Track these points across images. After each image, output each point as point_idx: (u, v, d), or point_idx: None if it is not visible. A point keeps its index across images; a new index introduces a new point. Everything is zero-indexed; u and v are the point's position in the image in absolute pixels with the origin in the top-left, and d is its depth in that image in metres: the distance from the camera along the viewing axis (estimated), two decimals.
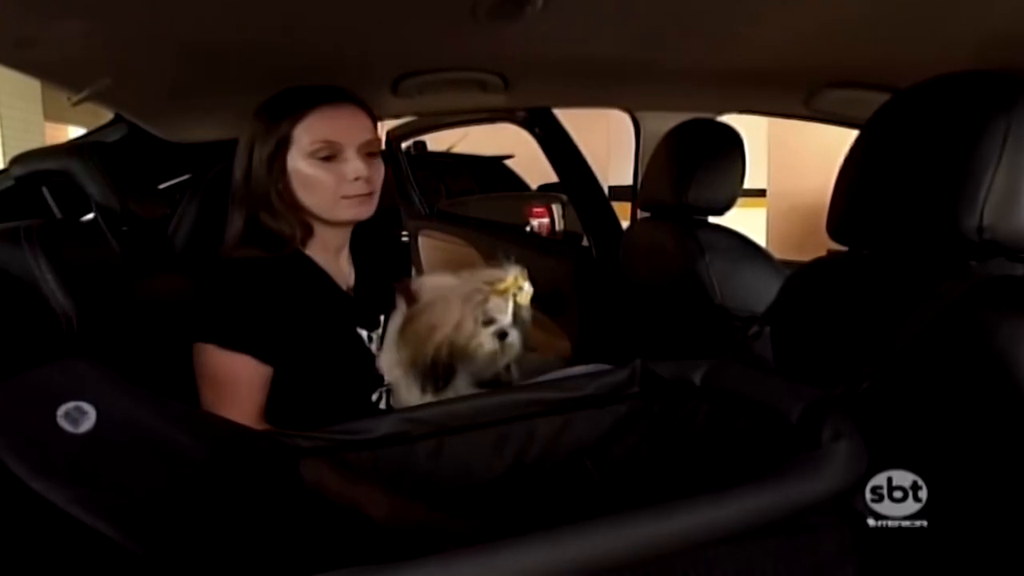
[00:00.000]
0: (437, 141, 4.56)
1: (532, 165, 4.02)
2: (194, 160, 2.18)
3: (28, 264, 1.15)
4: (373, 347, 1.46)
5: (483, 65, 1.70)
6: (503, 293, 1.34)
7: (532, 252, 2.48)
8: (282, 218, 1.40)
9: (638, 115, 2.39)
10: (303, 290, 1.41)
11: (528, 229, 3.53)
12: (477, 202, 4.45)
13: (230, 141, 2.13)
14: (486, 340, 1.34)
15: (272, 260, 1.39)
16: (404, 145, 3.44)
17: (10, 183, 1.78)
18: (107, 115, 1.95)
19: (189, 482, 0.91)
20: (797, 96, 1.96)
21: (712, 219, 1.81)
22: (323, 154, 1.37)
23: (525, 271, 1.36)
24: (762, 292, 1.46)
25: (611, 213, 2.54)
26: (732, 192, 1.74)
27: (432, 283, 1.43)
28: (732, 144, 1.74)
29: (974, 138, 0.85)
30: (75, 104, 1.56)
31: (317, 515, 1.09)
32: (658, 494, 1.09)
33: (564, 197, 3.30)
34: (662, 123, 2.08)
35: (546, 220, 3.56)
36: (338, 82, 1.74)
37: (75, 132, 9.66)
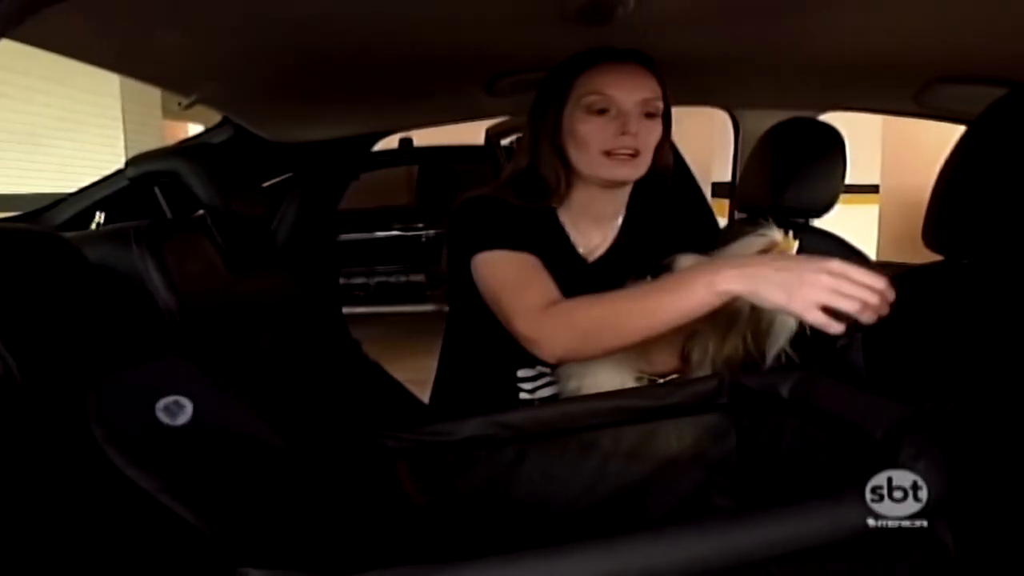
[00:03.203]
0: None
1: None
2: (296, 159, 2.26)
3: (135, 263, 1.21)
4: None
5: None
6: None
7: None
8: (550, 168, 1.40)
9: (737, 113, 2.34)
10: (528, 241, 1.37)
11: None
12: None
13: (329, 141, 2.23)
14: (788, 317, 1.13)
15: (517, 208, 1.39)
16: (505, 141, 3.48)
17: (125, 183, 1.89)
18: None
19: (269, 472, 0.95)
20: (906, 92, 1.88)
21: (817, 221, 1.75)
22: (597, 107, 1.35)
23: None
24: None
25: (709, 212, 2.50)
26: (832, 194, 1.68)
27: (693, 261, 1.26)
28: (833, 145, 1.67)
29: None
30: (186, 108, 1.65)
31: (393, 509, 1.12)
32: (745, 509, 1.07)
33: None
34: (762, 121, 2.02)
35: None
36: (433, 82, 1.77)
37: (194, 128, 10.18)
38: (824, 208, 1.69)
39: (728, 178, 2.46)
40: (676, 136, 2.51)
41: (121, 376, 0.86)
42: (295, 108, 1.83)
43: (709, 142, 4.57)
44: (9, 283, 0.84)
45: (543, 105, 1.41)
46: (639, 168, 1.39)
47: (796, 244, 1.17)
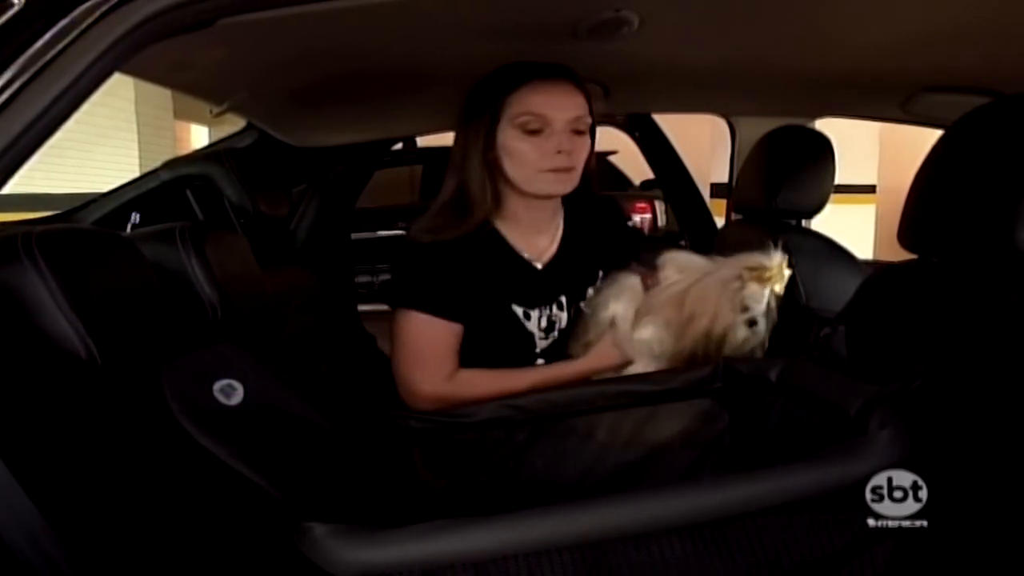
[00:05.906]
0: None
1: (636, 161, 4.08)
2: (316, 163, 2.37)
3: (181, 261, 1.32)
4: (530, 324, 1.48)
5: (585, 75, 1.79)
6: (766, 281, 1.31)
7: None
8: (479, 183, 1.44)
9: (733, 120, 2.42)
10: (480, 265, 1.46)
11: (630, 224, 3.59)
12: None
13: (347, 146, 2.34)
14: (739, 329, 1.32)
15: (459, 239, 1.44)
16: None
17: (157, 183, 2.00)
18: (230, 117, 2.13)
19: (314, 444, 1.06)
20: (894, 100, 1.95)
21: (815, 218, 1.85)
22: (530, 127, 1.40)
23: (787, 257, 1.32)
24: (846, 293, 1.50)
25: (707, 213, 2.61)
26: (822, 197, 1.79)
27: (681, 263, 1.41)
28: (822, 150, 1.78)
29: None
30: (216, 116, 1.74)
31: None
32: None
33: None
34: (757, 128, 2.12)
35: (648, 216, 3.59)
36: (450, 91, 1.87)
37: (197, 129, 10.28)
38: (815, 210, 1.80)
39: (726, 179, 2.56)
40: (677, 140, 2.63)
41: (185, 360, 0.97)
42: (318, 115, 1.92)
43: (708, 146, 4.68)
44: (88, 279, 0.94)
45: (474, 121, 1.45)
46: (573, 181, 1.46)
47: (787, 274, 1.31)
